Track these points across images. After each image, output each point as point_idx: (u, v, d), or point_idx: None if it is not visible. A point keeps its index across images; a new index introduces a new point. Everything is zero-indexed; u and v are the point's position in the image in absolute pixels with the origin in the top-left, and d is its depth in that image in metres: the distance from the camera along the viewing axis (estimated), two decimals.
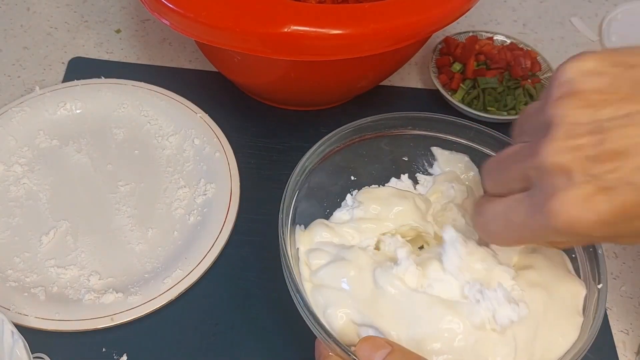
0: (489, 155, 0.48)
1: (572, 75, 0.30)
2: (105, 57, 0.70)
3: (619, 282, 0.55)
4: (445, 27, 0.54)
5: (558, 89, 0.31)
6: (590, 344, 0.39)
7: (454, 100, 0.64)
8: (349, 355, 0.36)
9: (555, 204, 0.30)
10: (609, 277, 0.56)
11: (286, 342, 0.50)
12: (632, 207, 0.29)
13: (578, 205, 0.29)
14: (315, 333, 0.39)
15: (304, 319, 0.39)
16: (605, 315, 0.53)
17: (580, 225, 0.30)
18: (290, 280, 0.40)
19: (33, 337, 0.45)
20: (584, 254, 0.44)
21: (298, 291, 0.40)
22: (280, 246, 0.42)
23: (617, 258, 0.57)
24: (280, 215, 0.43)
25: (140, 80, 0.65)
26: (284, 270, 0.41)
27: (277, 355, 0.49)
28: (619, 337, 0.52)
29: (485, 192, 0.37)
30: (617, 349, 0.51)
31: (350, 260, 0.42)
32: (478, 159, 0.49)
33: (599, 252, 0.42)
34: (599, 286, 0.41)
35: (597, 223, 0.30)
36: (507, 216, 0.34)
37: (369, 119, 0.48)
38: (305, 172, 0.46)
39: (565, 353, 0.39)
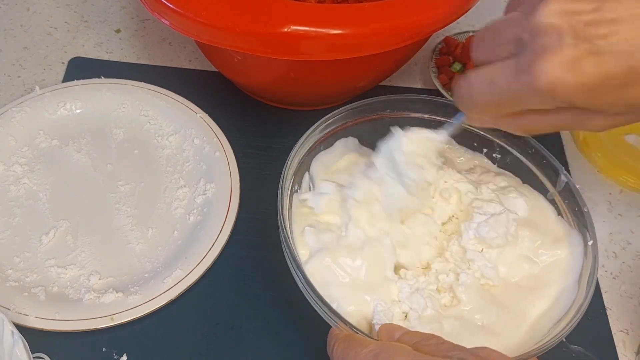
0: (466, 131, 0.52)
1: None
2: (105, 57, 0.70)
3: (619, 282, 0.55)
4: (445, 27, 0.54)
5: None
6: (590, 300, 0.41)
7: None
8: (363, 334, 0.38)
9: (542, 63, 0.31)
10: (609, 277, 0.56)
11: (287, 341, 0.50)
12: (617, 74, 0.30)
13: (564, 66, 0.30)
14: (327, 320, 0.40)
15: (316, 309, 0.41)
16: (605, 315, 0.53)
17: (563, 87, 0.31)
18: (300, 277, 0.41)
19: (33, 337, 0.45)
20: (570, 215, 0.46)
21: (313, 290, 0.41)
22: (280, 222, 0.45)
23: (617, 258, 0.57)
24: (278, 205, 0.46)
25: (140, 80, 0.65)
26: (289, 264, 0.42)
27: (278, 354, 0.49)
28: (619, 337, 0.52)
29: (473, 60, 0.38)
30: (617, 348, 0.51)
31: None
32: (457, 135, 0.51)
33: (584, 210, 0.45)
34: (590, 243, 0.44)
35: (580, 86, 0.31)
36: (492, 78, 0.34)
37: (348, 106, 0.50)
38: (292, 166, 0.48)
39: (569, 309, 0.42)
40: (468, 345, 0.35)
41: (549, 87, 0.31)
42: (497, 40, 0.35)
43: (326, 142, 0.51)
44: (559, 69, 0.30)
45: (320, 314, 0.40)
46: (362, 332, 0.39)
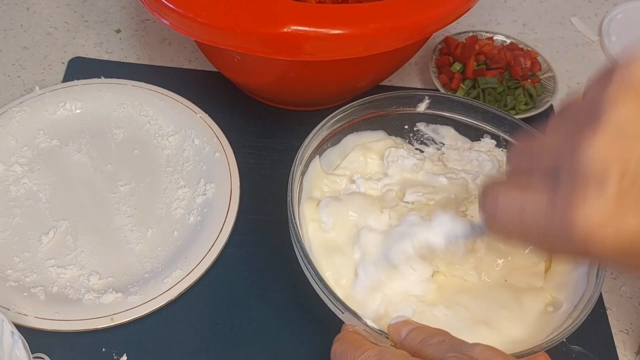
0: (471, 126, 0.52)
1: (638, 77, 0.27)
2: (105, 57, 0.70)
3: (619, 282, 0.55)
4: (445, 27, 0.54)
5: (617, 85, 0.27)
6: (599, 292, 0.42)
7: None
8: (375, 331, 0.39)
9: (580, 212, 0.26)
10: (609, 277, 0.56)
11: (286, 342, 0.50)
12: None
13: (604, 218, 0.26)
14: (338, 314, 0.40)
15: (327, 303, 0.41)
16: (605, 315, 0.53)
17: (598, 243, 0.26)
18: (312, 273, 0.42)
19: (33, 337, 0.45)
20: None
21: (326, 287, 0.41)
22: (290, 220, 0.44)
23: None
24: (288, 198, 0.45)
25: (140, 80, 0.65)
26: (296, 249, 0.43)
27: (277, 355, 0.49)
28: (619, 337, 0.52)
29: (506, 172, 0.34)
30: (617, 349, 0.51)
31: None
32: (462, 128, 0.53)
33: None
34: None
35: (617, 246, 0.26)
36: (522, 209, 0.30)
37: (355, 103, 0.50)
38: (303, 163, 0.48)
39: (579, 301, 0.43)
40: (468, 339, 0.35)
41: (583, 240, 0.26)
42: (535, 163, 0.31)
43: (333, 139, 0.51)
44: (598, 219, 0.26)
45: (335, 311, 0.41)
46: (378, 331, 0.39)
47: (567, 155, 0.28)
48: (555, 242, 0.29)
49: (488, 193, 0.32)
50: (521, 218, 0.30)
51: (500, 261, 0.45)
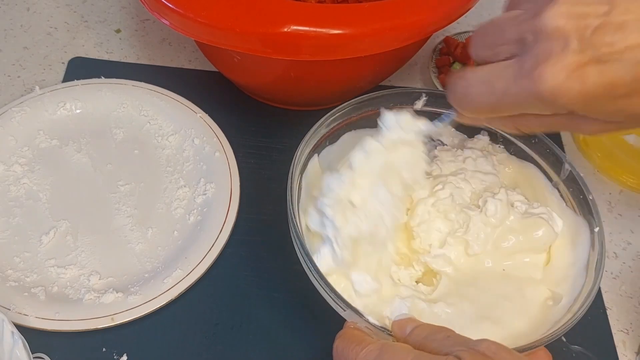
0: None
1: None
2: (105, 57, 0.70)
3: (619, 282, 0.55)
4: (445, 27, 0.54)
5: None
6: (599, 286, 0.42)
7: None
8: (377, 328, 0.39)
9: (545, 68, 0.30)
10: (609, 277, 0.56)
11: (286, 342, 0.50)
12: (621, 84, 0.29)
13: (568, 73, 0.29)
14: (340, 311, 0.40)
15: (328, 301, 0.41)
16: (605, 315, 0.53)
17: (565, 94, 0.30)
18: (304, 256, 0.42)
19: (33, 337, 0.45)
20: (575, 203, 0.47)
21: (327, 284, 0.41)
22: (290, 222, 0.44)
23: (617, 258, 0.57)
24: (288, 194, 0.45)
25: (140, 80, 0.65)
26: (296, 247, 0.43)
27: (278, 354, 0.49)
28: (619, 337, 0.52)
29: (473, 61, 0.37)
30: (617, 348, 0.51)
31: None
32: (459, 125, 0.52)
33: (590, 197, 0.46)
34: (596, 230, 0.45)
35: (582, 94, 0.30)
36: (491, 80, 0.33)
37: (353, 101, 0.51)
38: (300, 164, 0.48)
39: (578, 296, 0.43)
40: (471, 335, 0.35)
41: (551, 94, 0.30)
42: (499, 38, 0.34)
43: (331, 137, 0.51)
44: (562, 75, 0.30)
45: (337, 309, 0.41)
46: (380, 327, 0.39)
47: (529, 23, 0.31)
48: (524, 103, 0.32)
49: (457, 77, 0.35)
50: (491, 87, 0.33)
51: (512, 240, 0.45)
